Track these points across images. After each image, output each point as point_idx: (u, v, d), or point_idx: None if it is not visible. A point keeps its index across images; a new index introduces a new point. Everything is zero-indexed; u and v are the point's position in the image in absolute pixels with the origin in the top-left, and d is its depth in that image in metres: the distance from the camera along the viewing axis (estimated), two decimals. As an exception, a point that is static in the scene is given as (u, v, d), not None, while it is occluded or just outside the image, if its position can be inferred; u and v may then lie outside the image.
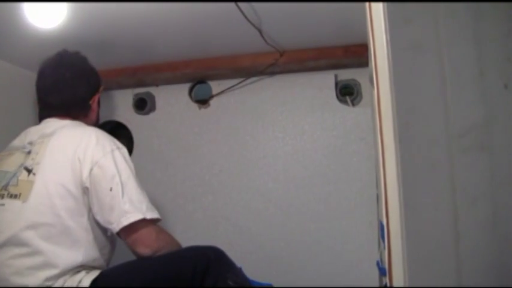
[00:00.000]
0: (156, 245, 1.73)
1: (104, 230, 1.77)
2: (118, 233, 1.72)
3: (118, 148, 1.80)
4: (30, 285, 1.58)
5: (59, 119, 1.93)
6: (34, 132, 1.89)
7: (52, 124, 1.90)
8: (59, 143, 1.78)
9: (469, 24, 1.21)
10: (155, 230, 1.74)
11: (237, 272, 1.82)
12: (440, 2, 1.21)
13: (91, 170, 1.70)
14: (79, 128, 1.89)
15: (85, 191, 1.70)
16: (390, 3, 1.15)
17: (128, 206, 1.68)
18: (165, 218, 2.51)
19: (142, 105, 2.78)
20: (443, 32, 1.19)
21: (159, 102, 2.78)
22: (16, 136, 1.94)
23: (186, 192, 2.68)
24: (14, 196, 1.70)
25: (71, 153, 1.73)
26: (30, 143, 1.83)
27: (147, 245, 1.71)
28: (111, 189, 1.69)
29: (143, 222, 1.69)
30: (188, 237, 2.40)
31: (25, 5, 1.76)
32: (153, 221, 1.73)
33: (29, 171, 1.73)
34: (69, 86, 1.97)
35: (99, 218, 1.71)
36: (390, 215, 1.11)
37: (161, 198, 2.64)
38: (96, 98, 2.05)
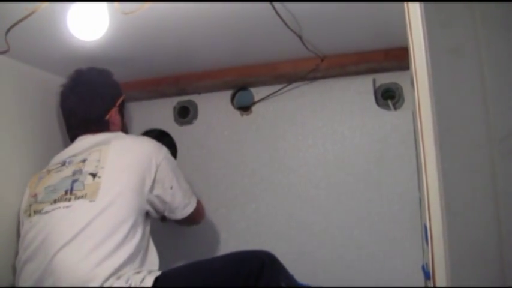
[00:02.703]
0: (204, 215, 2.33)
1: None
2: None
3: (167, 151, 2.07)
4: (101, 276, 1.66)
5: (91, 134, 2.07)
6: (72, 149, 2.04)
7: (91, 139, 2.04)
8: (120, 148, 1.97)
9: (507, 25, 1.20)
10: (201, 205, 2.25)
11: (289, 275, 1.89)
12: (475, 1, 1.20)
13: (156, 172, 1.94)
14: (133, 136, 2.27)
15: (148, 190, 1.91)
16: (427, 5, 1.15)
17: (188, 199, 2.09)
18: (208, 227, 2.58)
19: (185, 113, 2.82)
20: (482, 34, 1.18)
21: (202, 110, 2.80)
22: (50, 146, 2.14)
23: (228, 202, 2.69)
24: (81, 197, 1.80)
25: (136, 157, 1.94)
26: (75, 155, 1.97)
27: (201, 219, 2.31)
28: (171, 188, 1.99)
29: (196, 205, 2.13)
30: (231, 246, 2.43)
31: (68, 17, 1.80)
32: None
33: (94, 175, 1.84)
34: (84, 105, 2.11)
35: (160, 208, 2.00)
36: (432, 219, 1.11)
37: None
38: (113, 112, 2.14)
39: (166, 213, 2.04)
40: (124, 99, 2.25)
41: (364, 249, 2.44)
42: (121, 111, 2.22)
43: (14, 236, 1.91)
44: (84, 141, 2.04)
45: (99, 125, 2.10)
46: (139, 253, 1.80)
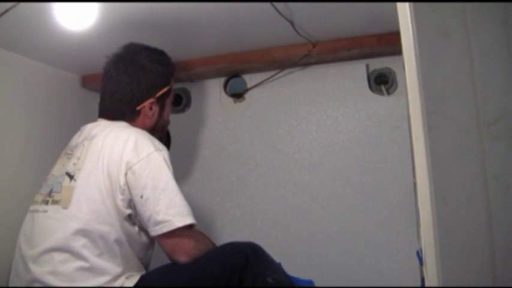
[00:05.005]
0: (192, 252, 1.72)
1: (142, 235, 1.79)
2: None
3: (156, 150, 1.76)
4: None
5: (107, 120, 1.92)
6: (83, 133, 1.90)
7: (99, 125, 1.90)
8: (97, 148, 1.77)
9: (497, 8, 1.19)
10: (188, 238, 1.73)
11: (275, 268, 1.82)
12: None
13: (125, 175, 1.70)
14: (120, 131, 1.83)
15: (122, 195, 1.71)
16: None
17: (162, 215, 1.67)
18: (203, 215, 2.55)
19: (178, 101, 2.81)
20: (471, 17, 1.17)
21: (195, 97, 2.79)
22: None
23: (222, 189, 2.69)
24: (56, 202, 1.72)
25: (108, 158, 1.73)
26: (76, 146, 1.85)
27: (183, 252, 1.71)
28: (141, 197, 1.69)
29: (177, 230, 1.68)
30: (226, 233, 2.41)
31: (55, 7, 1.78)
32: (188, 227, 1.71)
33: (71, 177, 1.75)
34: (119, 84, 1.92)
35: (140, 220, 1.75)
36: (422, 203, 1.11)
37: (198, 196, 2.66)
38: (147, 103, 1.93)
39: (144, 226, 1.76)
40: (169, 90, 2.04)
41: (359, 234, 2.44)
42: (162, 104, 2.00)
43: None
44: (94, 126, 1.90)
45: (125, 113, 1.92)
46: (116, 262, 1.69)
